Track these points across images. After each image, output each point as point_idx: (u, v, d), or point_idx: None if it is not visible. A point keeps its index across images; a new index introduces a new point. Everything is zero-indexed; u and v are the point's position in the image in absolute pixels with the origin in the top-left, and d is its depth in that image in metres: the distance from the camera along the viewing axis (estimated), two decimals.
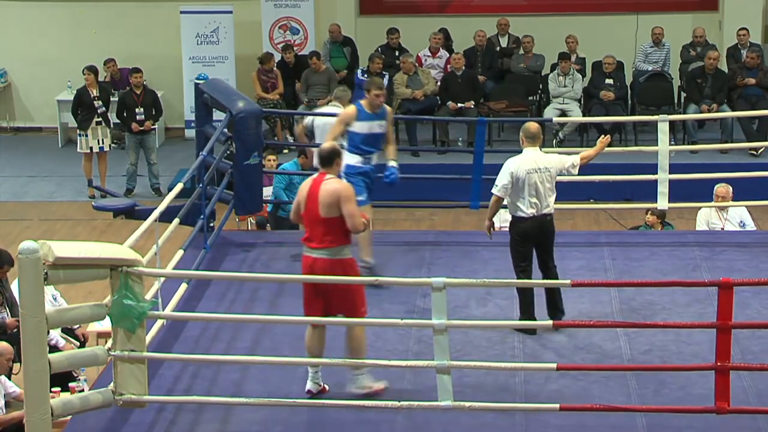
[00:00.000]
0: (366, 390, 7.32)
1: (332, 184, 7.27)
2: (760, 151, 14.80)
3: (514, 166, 8.10)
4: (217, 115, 10.43)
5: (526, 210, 8.09)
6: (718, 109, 14.88)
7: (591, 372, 7.55)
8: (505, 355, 7.88)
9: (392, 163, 9.01)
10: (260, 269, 9.49)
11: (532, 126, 8.27)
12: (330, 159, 7.39)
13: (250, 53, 16.44)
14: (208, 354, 7.85)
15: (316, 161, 8.62)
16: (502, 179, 8.11)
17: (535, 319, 8.03)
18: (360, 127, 8.80)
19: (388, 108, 8.99)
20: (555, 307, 8.17)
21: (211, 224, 9.84)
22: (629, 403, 7.21)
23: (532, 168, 8.07)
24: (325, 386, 7.41)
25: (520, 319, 8.12)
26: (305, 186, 7.39)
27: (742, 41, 15.69)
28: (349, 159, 8.66)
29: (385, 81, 15.44)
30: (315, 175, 7.40)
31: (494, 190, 8.15)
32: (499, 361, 7.66)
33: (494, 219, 8.55)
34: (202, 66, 16.07)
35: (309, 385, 7.40)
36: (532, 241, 8.17)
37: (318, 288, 7.27)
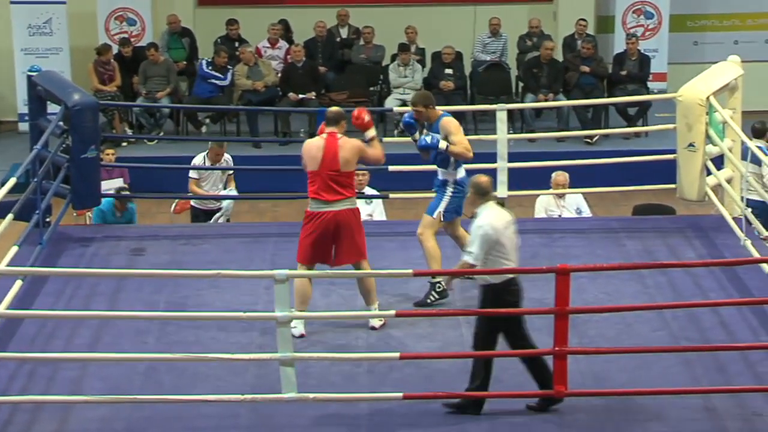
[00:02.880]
0: (381, 324, 7.98)
1: (350, 141, 7.99)
2: (595, 139, 15.16)
3: (491, 229, 7.06)
4: (52, 108, 10.19)
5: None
6: (554, 99, 15.18)
7: (434, 360, 7.61)
8: (349, 346, 7.89)
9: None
10: (99, 264, 9.31)
11: (484, 180, 7.27)
12: (337, 120, 8.04)
13: (85, 45, 16.09)
14: (45, 352, 7.66)
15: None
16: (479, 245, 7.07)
17: (486, 389, 7.15)
18: None
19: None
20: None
21: (48, 219, 9.62)
22: None
23: (508, 223, 7.17)
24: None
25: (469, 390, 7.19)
26: (316, 146, 7.97)
27: (580, 31, 16.03)
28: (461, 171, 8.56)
29: (229, 76, 15.33)
30: (324, 135, 7.99)
31: (471, 259, 7.07)
32: (343, 352, 7.67)
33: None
34: (35, 58, 15.62)
35: (301, 329, 7.89)
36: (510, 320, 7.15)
37: (331, 237, 7.93)
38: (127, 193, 11.44)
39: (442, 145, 8.41)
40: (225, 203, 11.26)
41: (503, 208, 7.21)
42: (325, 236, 7.98)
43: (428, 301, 8.41)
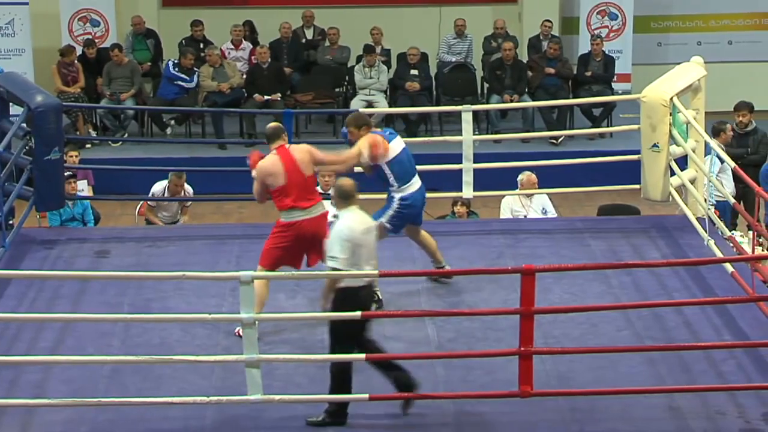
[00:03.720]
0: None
1: (298, 146, 8.21)
2: (560, 140, 15.20)
3: (349, 231, 7.06)
4: (15, 109, 10.12)
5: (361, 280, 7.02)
6: (520, 100, 15.22)
7: (400, 361, 7.60)
8: (315, 348, 7.87)
9: None
10: (62, 267, 9.25)
11: (346, 183, 7.28)
12: (278, 134, 8.21)
13: (48, 46, 15.99)
14: (7, 355, 7.60)
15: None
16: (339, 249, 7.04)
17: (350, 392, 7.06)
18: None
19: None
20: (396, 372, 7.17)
21: (10, 222, 9.55)
22: (437, 391, 7.30)
23: (366, 228, 7.17)
24: None
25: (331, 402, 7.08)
26: (274, 163, 8.04)
27: (545, 32, 16.08)
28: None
29: (195, 78, 15.27)
30: (273, 152, 8.09)
31: (337, 264, 7.02)
32: (309, 354, 7.66)
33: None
34: None
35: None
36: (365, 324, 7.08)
37: (305, 244, 7.99)
38: (69, 173, 11.31)
39: None
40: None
41: (364, 213, 7.20)
42: (299, 244, 8.02)
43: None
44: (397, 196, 8.59)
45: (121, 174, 13.14)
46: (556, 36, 16.23)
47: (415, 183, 8.65)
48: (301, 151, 8.13)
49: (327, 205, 8.09)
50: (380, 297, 8.40)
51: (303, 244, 8.03)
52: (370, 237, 7.15)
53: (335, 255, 7.00)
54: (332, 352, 7.06)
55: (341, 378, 7.04)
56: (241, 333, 7.50)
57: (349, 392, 7.03)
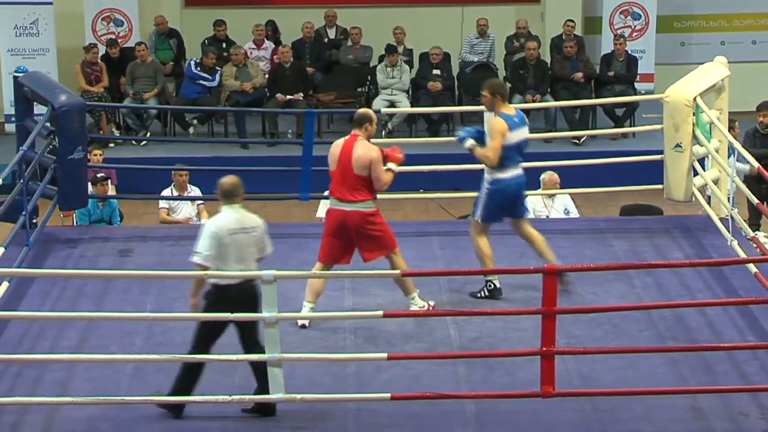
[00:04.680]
0: (425, 307, 8.16)
1: (367, 147, 8.08)
2: (582, 140, 15.18)
3: (215, 228, 7.07)
4: (39, 109, 10.16)
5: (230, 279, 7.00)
6: (542, 99, 15.20)
7: (422, 360, 7.61)
8: (337, 346, 7.89)
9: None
10: (86, 266, 9.29)
11: (227, 182, 7.17)
12: (360, 121, 8.18)
13: (72, 45, 16.06)
14: (31, 353, 7.64)
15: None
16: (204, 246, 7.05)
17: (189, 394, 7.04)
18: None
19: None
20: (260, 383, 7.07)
21: (34, 221, 9.59)
22: (459, 390, 7.29)
23: (236, 228, 7.09)
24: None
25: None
26: (337, 145, 8.14)
27: (568, 32, 16.06)
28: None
29: (217, 77, 15.32)
30: (346, 137, 8.14)
31: (199, 259, 7.03)
32: (331, 353, 7.67)
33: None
34: (21, 59, 15.64)
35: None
36: (227, 324, 7.04)
37: (345, 235, 8.10)
38: (102, 175, 11.39)
39: (467, 144, 8.43)
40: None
41: (247, 214, 7.11)
42: (337, 233, 8.14)
43: (478, 295, 8.54)
44: (487, 178, 8.46)
45: (144, 173, 13.18)
46: (578, 35, 16.20)
47: (511, 170, 8.42)
48: (361, 153, 8.04)
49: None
50: (498, 285, 8.48)
51: (342, 236, 8.12)
52: (243, 237, 7.05)
53: (197, 249, 7.06)
54: (190, 351, 7.02)
55: (187, 378, 7.00)
56: (306, 324, 7.89)
57: (189, 394, 6.97)
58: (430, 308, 8.23)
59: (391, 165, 8.15)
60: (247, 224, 7.11)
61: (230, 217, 7.09)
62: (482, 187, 8.51)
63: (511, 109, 8.49)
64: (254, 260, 7.13)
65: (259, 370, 7.02)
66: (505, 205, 8.50)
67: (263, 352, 6.94)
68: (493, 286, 8.54)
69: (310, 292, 8.16)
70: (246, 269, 7.01)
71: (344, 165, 8.09)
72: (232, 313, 6.89)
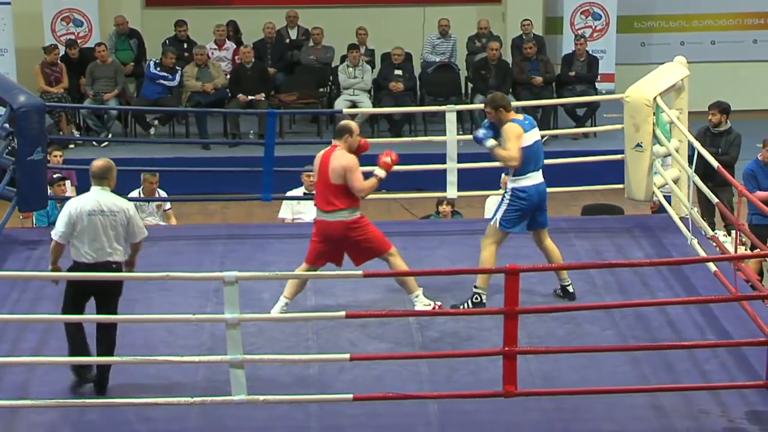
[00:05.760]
0: (430, 306, 8.11)
1: (344, 156, 8.06)
2: (543, 140, 15.13)
3: (73, 208, 7.23)
4: None
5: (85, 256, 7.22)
6: None
7: (384, 361, 7.60)
8: (299, 347, 7.87)
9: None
10: (46, 267, 9.16)
11: (97, 164, 7.40)
12: (340, 132, 8.19)
13: (31, 46, 15.95)
14: None
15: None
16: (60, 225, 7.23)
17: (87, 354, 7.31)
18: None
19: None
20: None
21: None
22: (421, 391, 7.29)
23: (95, 210, 7.23)
24: None
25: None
26: (318, 158, 8.21)
27: (526, 32, 16.11)
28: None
29: (177, 76, 15.25)
30: (327, 148, 8.19)
31: (54, 236, 7.26)
32: (293, 354, 7.65)
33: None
34: None
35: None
36: (88, 294, 7.32)
37: (333, 243, 8.12)
38: (59, 176, 11.32)
39: (489, 143, 8.39)
40: None
41: (112, 196, 7.30)
42: (324, 240, 8.17)
43: (461, 307, 8.34)
44: (511, 186, 8.41)
45: None
46: (537, 35, 16.25)
47: (535, 177, 8.40)
48: (337, 162, 8.05)
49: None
50: (485, 300, 8.31)
51: (331, 244, 8.16)
52: (101, 219, 7.20)
53: (56, 226, 7.26)
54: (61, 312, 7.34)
55: (71, 341, 7.28)
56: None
57: (86, 354, 7.24)
58: (437, 308, 8.19)
59: (377, 170, 8.12)
60: (109, 207, 7.23)
61: (92, 198, 7.25)
62: (504, 194, 8.47)
63: (518, 115, 8.52)
64: (114, 243, 7.22)
65: (103, 342, 7.23)
66: (526, 214, 8.42)
67: (115, 325, 7.24)
68: (479, 299, 8.37)
69: (289, 287, 8.21)
70: (101, 250, 7.18)
71: (323, 175, 8.12)
72: (87, 285, 7.17)
